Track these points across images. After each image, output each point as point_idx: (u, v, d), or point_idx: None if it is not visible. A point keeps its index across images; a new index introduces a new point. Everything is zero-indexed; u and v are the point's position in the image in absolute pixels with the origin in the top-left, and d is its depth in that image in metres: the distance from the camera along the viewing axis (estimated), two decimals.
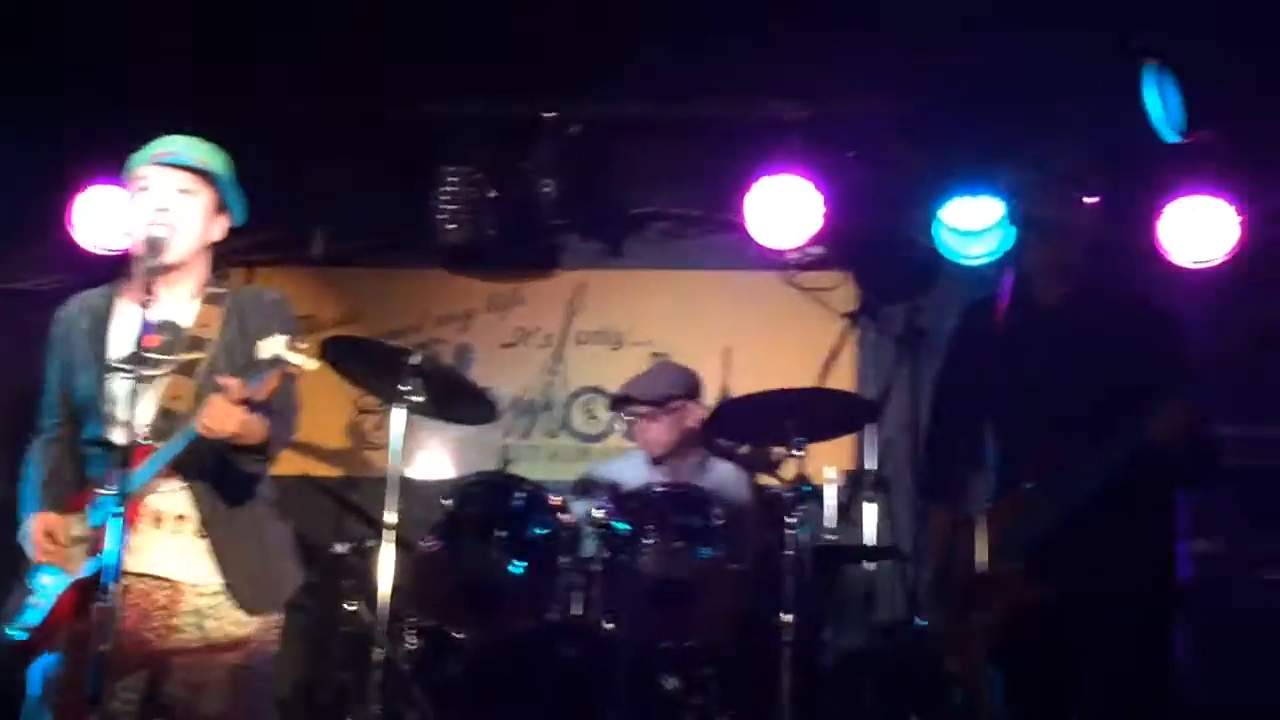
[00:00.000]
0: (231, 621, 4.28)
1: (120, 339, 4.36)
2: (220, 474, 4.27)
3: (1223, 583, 6.23)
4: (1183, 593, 4.87)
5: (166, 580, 4.25)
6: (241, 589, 4.27)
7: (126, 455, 4.01)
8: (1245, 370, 5.33)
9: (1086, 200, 4.86)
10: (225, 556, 4.27)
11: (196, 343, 4.35)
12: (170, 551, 4.26)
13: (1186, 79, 5.84)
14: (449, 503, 6.10)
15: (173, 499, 4.27)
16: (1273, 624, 6.29)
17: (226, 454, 4.21)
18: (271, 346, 4.09)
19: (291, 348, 4.09)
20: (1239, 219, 6.83)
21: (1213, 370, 4.61)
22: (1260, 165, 6.78)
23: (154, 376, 4.26)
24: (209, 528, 4.26)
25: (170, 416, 4.21)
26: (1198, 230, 6.92)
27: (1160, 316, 4.91)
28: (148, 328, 4.19)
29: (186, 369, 4.30)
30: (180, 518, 4.27)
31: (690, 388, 6.84)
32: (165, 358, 4.28)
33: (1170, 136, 6.00)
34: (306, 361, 4.11)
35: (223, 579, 4.26)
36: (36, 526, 4.29)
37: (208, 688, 4.26)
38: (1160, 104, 6.00)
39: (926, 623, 5.96)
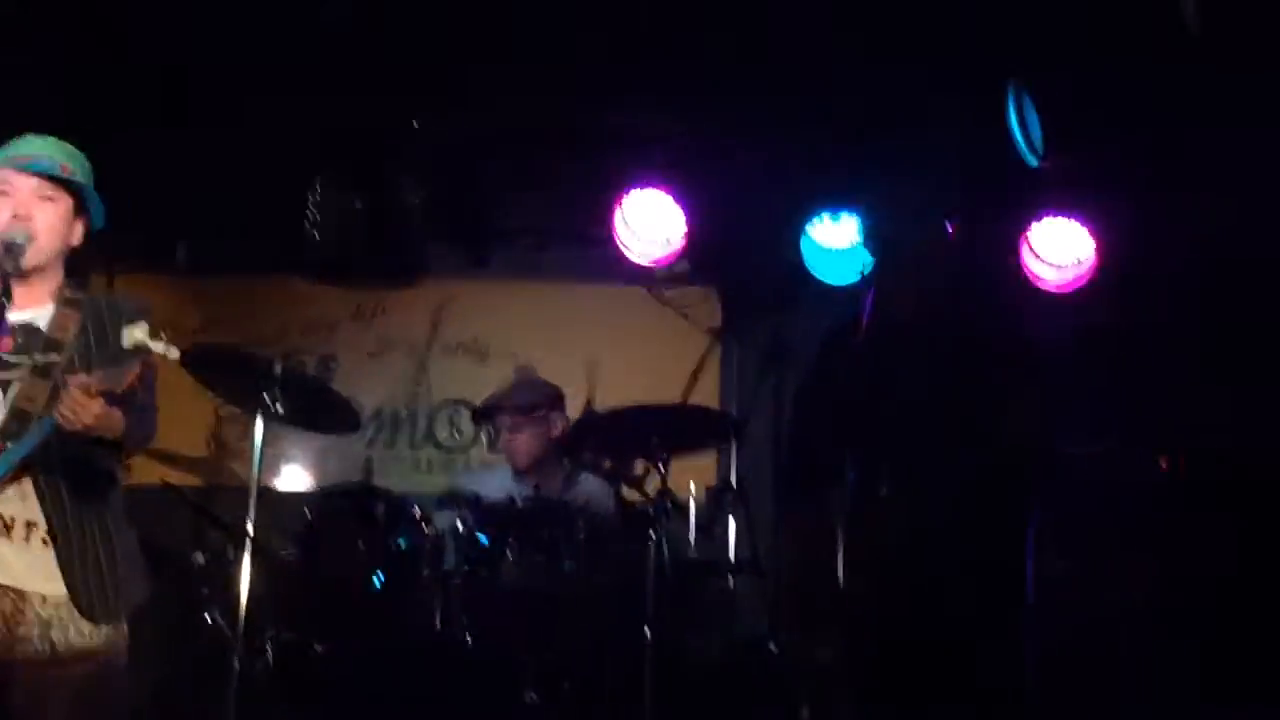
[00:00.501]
0: (78, 633, 4.18)
1: None
2: (73, 475, 4.19)
3: (1074, 601, 6.33)
4: (1031, 607, 4.95)
5: (13, 589, 4.13)
6: (85, 597, 4.18)
7: None
8: (1097, 390, 5.45)
9: (946, 224, 4.93)
10: (70, 564, 4.17)
11: (52, 344, 4.22)
12: (17, 560, 4.12)
13: (1046, 105, 5.93)
14: (310, 513, 6.05)
15: (22, 505, 4.15)
16: (1120, 641, 6.40)
17: (82, 449, 4.13)
18: (134, 334, 4.03)
19: (154, 335, 4.03)
20: (1094, 242, 6.95)
21: (1065, 389, 4.70)
22: (1114, 189, 6.91)
23: (8, 379, 4.18)
24: (56, 534, 4.18)
25: (22, 418, 4.08)
26: (1056, 252, 7.04)
27: (1013, 340, 4.99)
28: (3, 329, 4.11)
29: (42, 371, 4.19)
30: (29, 524, 4.16)
31: (554, 398, 6.84)
32: (20, 359, 4.19)
33: (1031, 160, 6.08)
34: (169, 349, 4.03)
35: (65, 587, 4.18)
36: None
37: (53, 701, 4.13)
38: (1021, 128, 6.09)
39: (777, 647, 6.03)
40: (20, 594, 4.14)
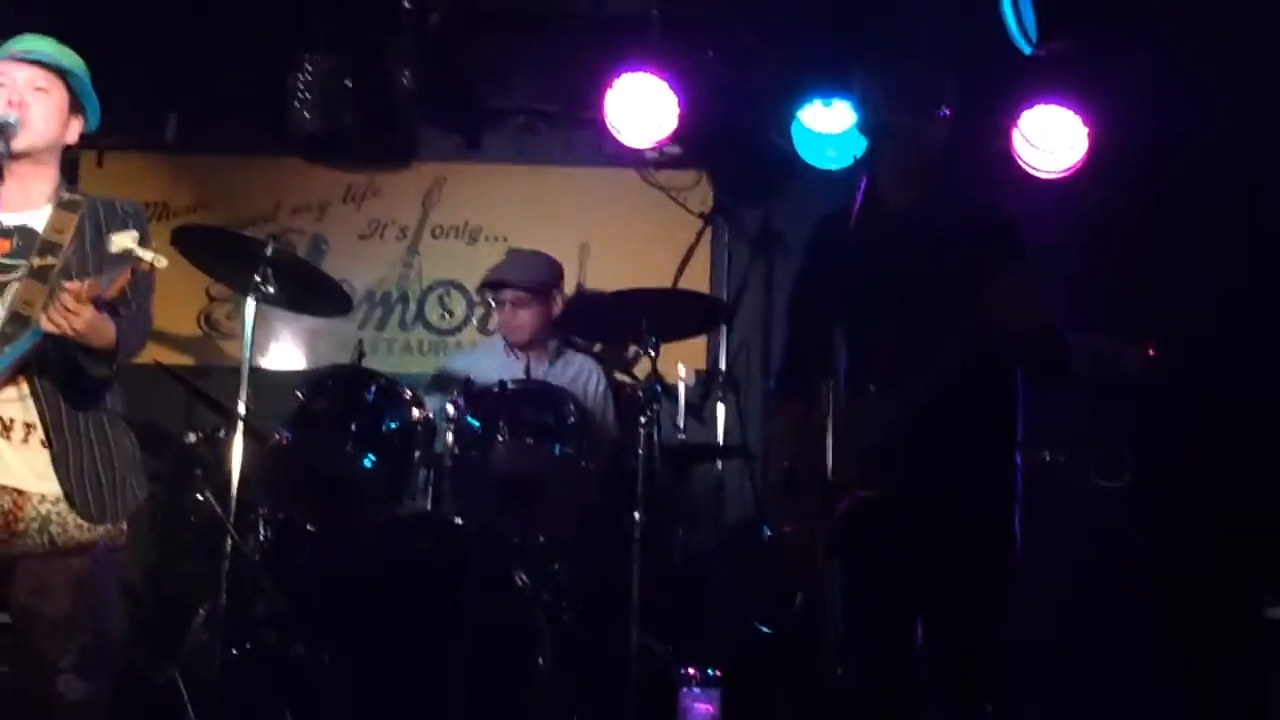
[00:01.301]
0: (76, 527, 4.22)
1: None
2: (67, 379, 4.18)
3: (1061, 488, 6.37)
4: (1018, 497, 4.93)
5: (12, 489, 4.17)
6: (82, 499, 4.21)
7: None
8: (1086, 275, 5.41)
9: (939, 110, 4.88)
10: (64, 467, 4.20)
11: (49, 248, 4.23)
12: (15, 461, 4.17)
13: None
14: (302, 394, 6.05)
15: (21, 407, 4.18)
16: (1106, 528, 6.45)
17: (74, 356, 4.12)
18: (122, 241, 4.01)
19: (143, 244, 4.01)
20: (1086, 130, 6.92)
21: (1055, 274, 4.67)
22: (1107, 78, 6.87)
23: (6, 282, 4.17)
24: (52, 436, 4.19)
25: (21, 321, 4.09)
26: (1049, 140, 7.02)
27: (1005, 224, 4.95)
28: (1, 232, 4.18)
29: (39, 274, 4.18)
30: (28, 426, 4.18)
31: (560, 274, 6.90)
32: (17, 263, 4.18)
33: (1025, 48, 6.03)
34: (157, 258, 4.03)
35: (61, 488, 4.19)
36: None
37: (52, 591, 4.19)
38: (1015, 15, 6.03)
39: (770, 531, 6.03)
40: (20, 492, 4.20)
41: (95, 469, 4.22)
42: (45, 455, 4.18)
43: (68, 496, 4.18)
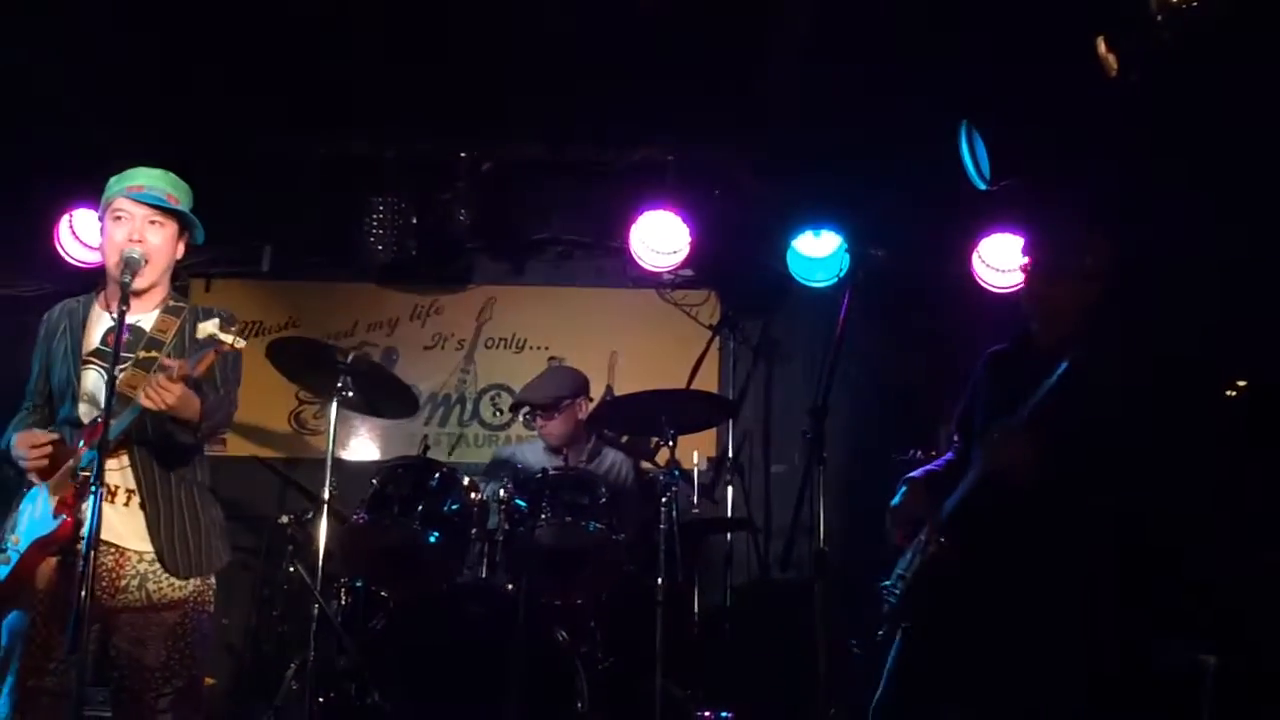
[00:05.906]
0: (169, 585, 4.24)
1: (92, 338, 4.36)
2: (160, 447, 4.24)
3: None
4: None
5: (114, 546, 4.21)
6: (170, 558, 4.24)
7: (104, 438, 3.95)
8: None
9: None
10: (157, 528, 4.23)
11: (154, 343, 4.34)
12: (117, 521, 4.20)
13: (992, 139, 5.93)
14: (376, 481, 6.06)
15: (122, 476, 4.25)
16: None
17: (165, 426, 4.18)
18: (207, 327, 4.10)
19: (223, 329, 4.09)
20: None
21: None
22: (1053, 206, 6.91)
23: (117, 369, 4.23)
24: (148, 500, 4.24)
25: (125, 401, 4.16)
26: (1002, 261, 7.06)
27: (967, 332, 4.91)
28: (116, 329, 4.22)
29: (143, 364, 4.28)
30: (129, 491, 4.25)
31: (578, 387, 6.82)
32: (127, 354, 4.25)
33: (980, 184, 6.07)
34: (236, 340, 4.10)
35: (153, 546, 4.22)
36: (21, 440, 4.27)
37: (150, 642, 4.22)
38: (972, 159, 6.08)
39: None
40: (121, 550, 4.25)
41: (185, 531, 4.26)
42: (142, 517, 4.24)
43: (158, 554, 4.21)
